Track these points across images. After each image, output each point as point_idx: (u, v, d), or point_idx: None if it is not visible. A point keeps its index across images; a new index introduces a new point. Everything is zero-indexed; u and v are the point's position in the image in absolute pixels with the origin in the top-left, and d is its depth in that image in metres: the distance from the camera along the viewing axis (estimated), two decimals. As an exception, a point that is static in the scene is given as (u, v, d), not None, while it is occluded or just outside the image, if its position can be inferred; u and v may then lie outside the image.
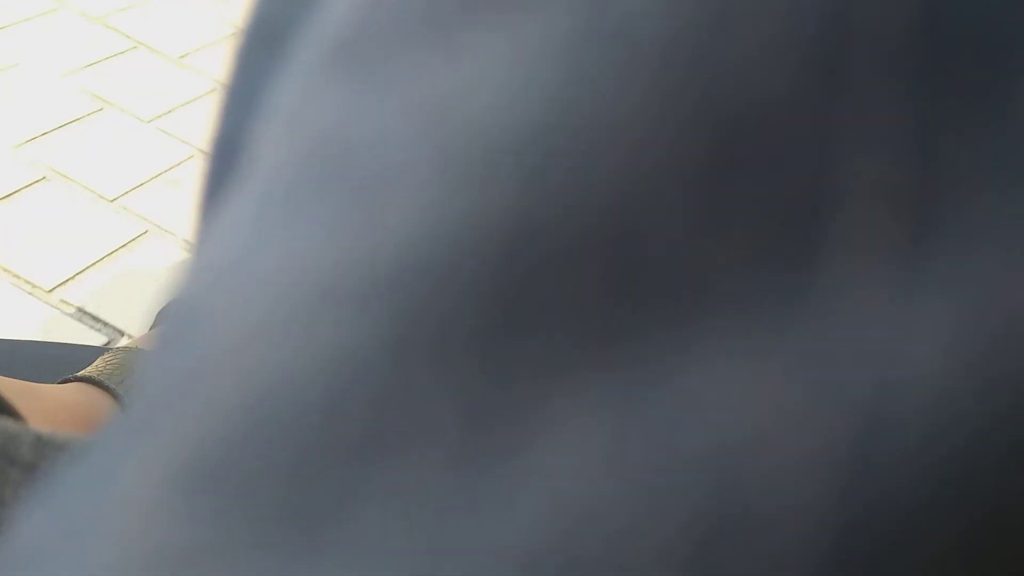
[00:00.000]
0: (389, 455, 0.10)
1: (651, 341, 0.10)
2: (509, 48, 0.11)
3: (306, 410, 0.11)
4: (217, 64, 1.57)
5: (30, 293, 1.04)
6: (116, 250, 1.14)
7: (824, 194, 0.10)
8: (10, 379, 0.40)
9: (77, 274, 1.09)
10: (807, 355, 0.10)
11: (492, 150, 0.11)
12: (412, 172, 0.11)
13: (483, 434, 0.10)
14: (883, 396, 0.10)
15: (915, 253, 0.10)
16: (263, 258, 0.12)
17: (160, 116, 1.38)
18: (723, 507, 0.10)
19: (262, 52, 0.17)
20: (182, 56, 1.56)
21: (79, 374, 0.46)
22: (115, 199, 1.20)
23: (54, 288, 1.06)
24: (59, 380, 0.46)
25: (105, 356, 0.48)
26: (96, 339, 1.02)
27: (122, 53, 1.50)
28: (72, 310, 1.05)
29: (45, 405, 0.41)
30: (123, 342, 1.02)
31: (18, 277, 1.06)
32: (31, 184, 1.18)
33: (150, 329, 0.64)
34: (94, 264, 1.11)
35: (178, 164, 1.30)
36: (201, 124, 1.39)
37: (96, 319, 1.04)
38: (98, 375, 0.46)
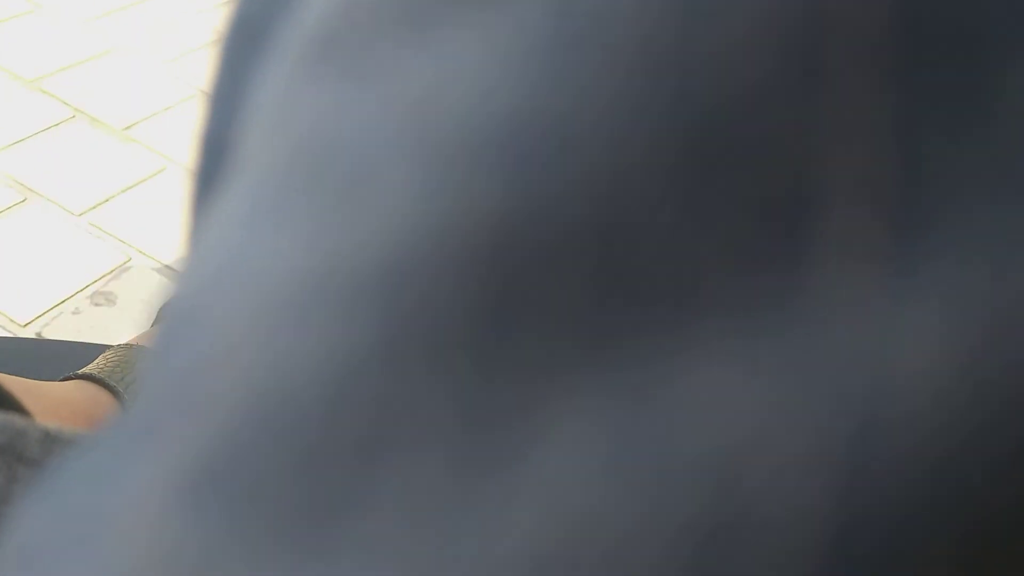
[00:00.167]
0: (392, 455, 0.10)
1: (645, 342, 0.10)
2: (486, 43, 0.11)
3: (307, 409, 0.10)
4: (165, 137, 1.52)
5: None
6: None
7: (806, 191, 0.10)
8: (12, 376, 0.40)
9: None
10: (801, 356, 0.10)
11: (473, 143, 0.11)
12: (395, 168, 0.11)
13: (482, 436, 0.10)
14: (877, 397, 0.10)
15: (901, 252, 0.10)
16: (255, 257, 0.12)
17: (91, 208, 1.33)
18: (722, 509, 0.10)
19: (246, 49, 0.17)
20: (127, 128, 1.51)
21: (81, 371, 0.46)
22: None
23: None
24: (61, 378, 0.46)
25: (106, 353, 0.48)
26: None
27: (57, 124, 1.46)
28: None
29: (47, 402, 0.41)
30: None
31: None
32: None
33: (151, 326, 0.64)
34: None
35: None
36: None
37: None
38: (99, 372, 0.46)
